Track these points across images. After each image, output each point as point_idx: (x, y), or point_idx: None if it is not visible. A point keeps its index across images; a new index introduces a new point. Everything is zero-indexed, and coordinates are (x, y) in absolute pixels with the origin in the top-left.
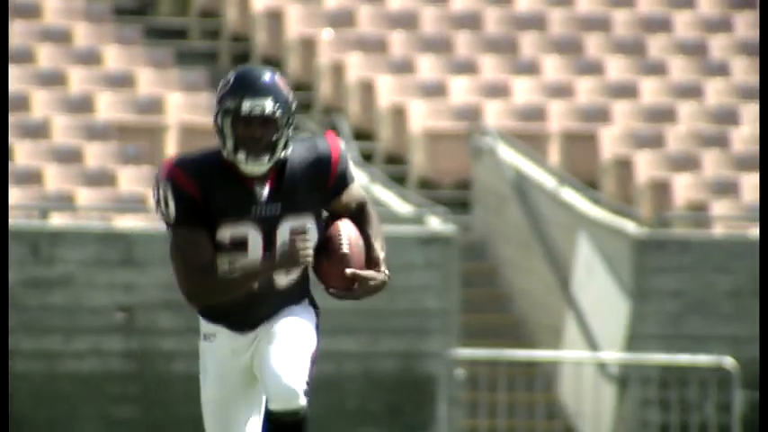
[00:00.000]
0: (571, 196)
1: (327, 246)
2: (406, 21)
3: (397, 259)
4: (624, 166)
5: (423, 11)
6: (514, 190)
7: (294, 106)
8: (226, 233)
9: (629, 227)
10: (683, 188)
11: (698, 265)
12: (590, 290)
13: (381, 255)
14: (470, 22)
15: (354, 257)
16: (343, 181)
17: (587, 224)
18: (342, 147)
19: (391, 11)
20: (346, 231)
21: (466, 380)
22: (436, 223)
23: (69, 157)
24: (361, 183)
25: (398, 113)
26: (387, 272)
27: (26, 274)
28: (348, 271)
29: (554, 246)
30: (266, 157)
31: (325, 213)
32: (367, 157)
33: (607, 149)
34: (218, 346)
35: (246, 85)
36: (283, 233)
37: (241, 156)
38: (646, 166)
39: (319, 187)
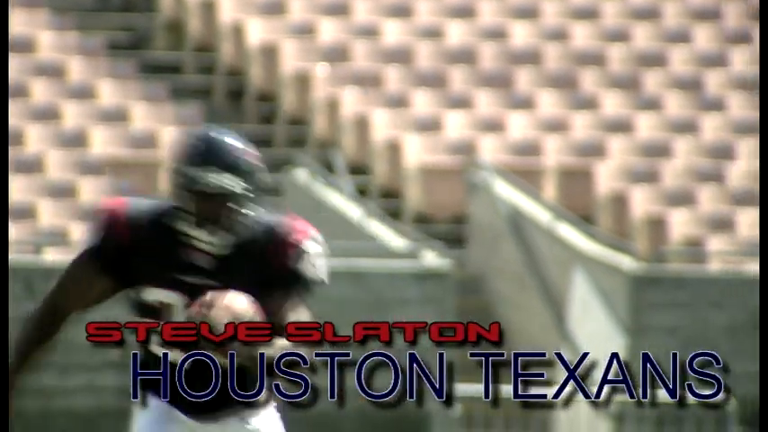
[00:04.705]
0: (567, 232)
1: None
2: (401, 56)
3: (392, 294)
4: (620, 201)
5: (418, 46)
6: (510, 225)
7: (260, 179)
8: (150, 295)
9: (625, 262)
10: (679, 224)
11: (694, 300)
12: (586, 326)
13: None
14: (465, 57)
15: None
16: (288, 282)
17: (583, 260)
18: (305, 244)
19: (386, 46)
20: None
21: (462, 417)
22: (431, 258)
23: (63, 192)
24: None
25: (393, 148)
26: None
27: (20, 310)
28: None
29: (549, 281)
30: (223, 234)
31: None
32: (362, 192)
33: (603, 185)
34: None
35: (211, 157)
36: None
37: (197, 229)
38: (641, 202)
39: (261, 273)
